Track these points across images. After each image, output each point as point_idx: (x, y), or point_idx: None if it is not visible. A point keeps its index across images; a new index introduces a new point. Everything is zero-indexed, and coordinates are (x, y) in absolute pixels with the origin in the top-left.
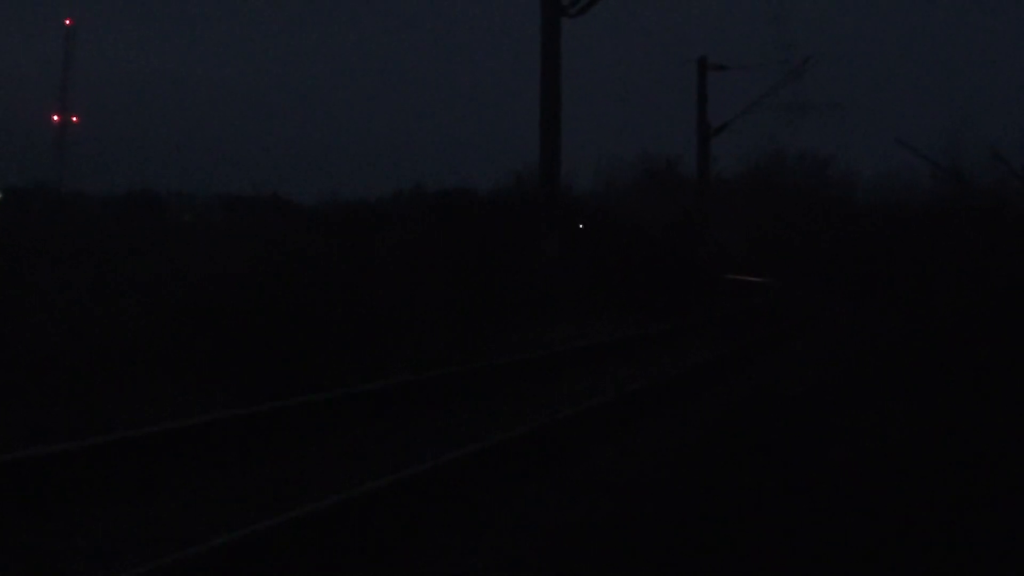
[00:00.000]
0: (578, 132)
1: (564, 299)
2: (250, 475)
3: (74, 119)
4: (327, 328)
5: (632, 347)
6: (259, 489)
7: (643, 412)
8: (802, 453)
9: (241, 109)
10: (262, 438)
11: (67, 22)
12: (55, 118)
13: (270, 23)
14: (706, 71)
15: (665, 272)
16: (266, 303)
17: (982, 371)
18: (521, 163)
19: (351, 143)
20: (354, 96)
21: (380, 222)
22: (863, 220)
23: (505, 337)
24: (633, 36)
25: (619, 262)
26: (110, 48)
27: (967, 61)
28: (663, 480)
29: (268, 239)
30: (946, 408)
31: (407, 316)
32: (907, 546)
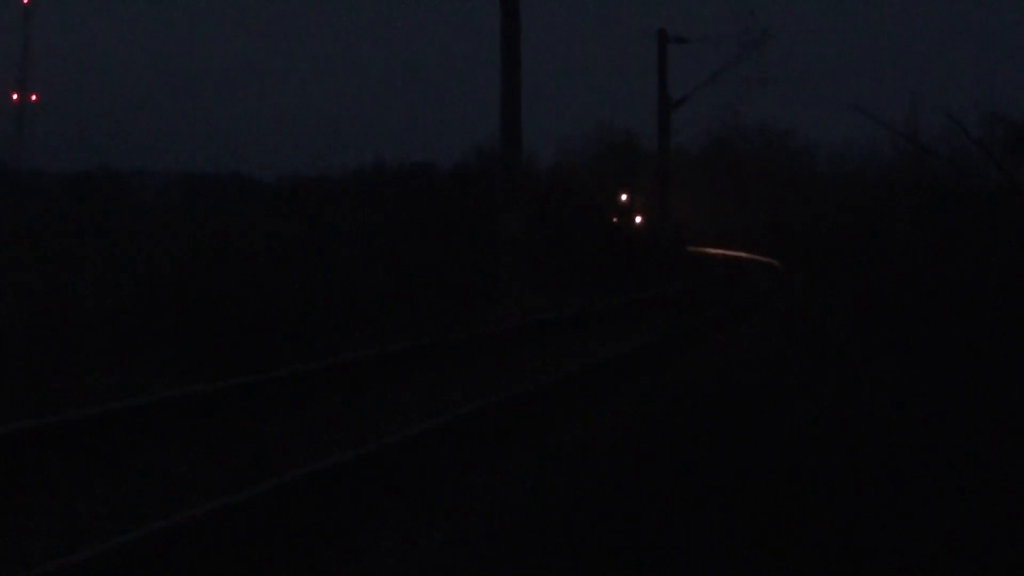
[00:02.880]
0: (540, 107)
1: (527, 277)
2: (212, 451)
3: (33, 97)
4: (284, 307)
5: (587, 322)
6: (221, 466)
7: (599, 387)
8: (760, 424)
9: (202, 86)
10: (218, 415)
11: (24, 1)
12: (13, 97)
13: None
14: (666, 43)
15: (627, 247)
16: (223, 283)
17: (941, 342)
18: (482, 136)
19: (312, 118)
20: (315, 71)
21: (339, 200)
22: (823, 189)
23: (475, 315)
24: (593, 9)
25: (581, 238)
26: (68, 26)
27: (929, 30)
28: (617, 451)
29: (226, 218)
30: (906, 379)
31: (364, 295)
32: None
